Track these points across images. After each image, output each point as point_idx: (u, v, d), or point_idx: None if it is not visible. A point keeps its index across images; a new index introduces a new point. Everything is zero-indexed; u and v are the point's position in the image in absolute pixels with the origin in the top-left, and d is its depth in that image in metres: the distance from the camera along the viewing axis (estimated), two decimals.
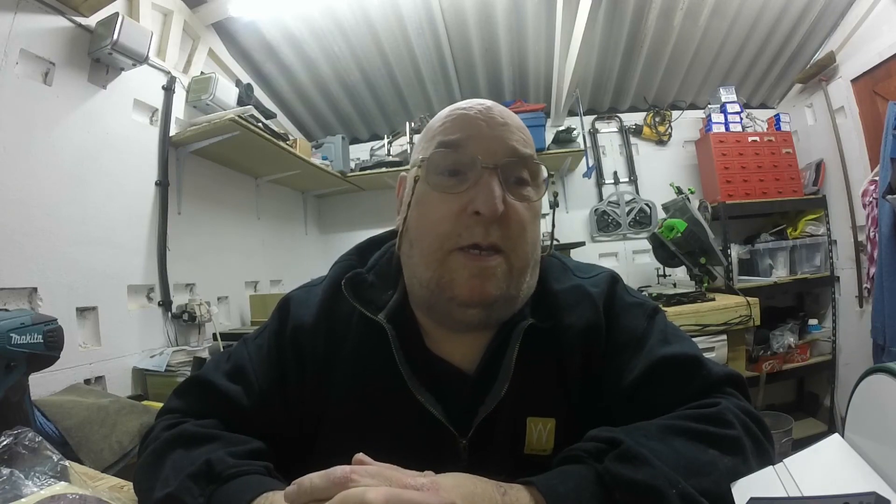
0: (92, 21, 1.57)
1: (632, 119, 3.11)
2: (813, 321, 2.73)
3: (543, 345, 0.56)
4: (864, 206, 2.25)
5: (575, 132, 2.80)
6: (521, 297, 0.55)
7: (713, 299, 2.25)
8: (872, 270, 2.19)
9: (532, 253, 0.55)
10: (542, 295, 0.59)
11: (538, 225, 0.57)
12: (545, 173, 0.56)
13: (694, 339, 0.60)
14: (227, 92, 2.10)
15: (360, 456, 0.39)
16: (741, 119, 2.79)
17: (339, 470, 0.36)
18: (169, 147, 1.91)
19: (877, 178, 2.12)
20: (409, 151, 2.75)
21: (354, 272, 0.60)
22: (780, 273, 2.65)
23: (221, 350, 1.87)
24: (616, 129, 3.12)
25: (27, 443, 0.54)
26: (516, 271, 0.53)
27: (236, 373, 0.59)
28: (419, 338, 0.58)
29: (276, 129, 2.24)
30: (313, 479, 0.36)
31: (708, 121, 2.82)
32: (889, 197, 1.97)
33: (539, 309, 0.57)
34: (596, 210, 3.05)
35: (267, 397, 0.57)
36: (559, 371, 0.56)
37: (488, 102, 0.57)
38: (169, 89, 1.92)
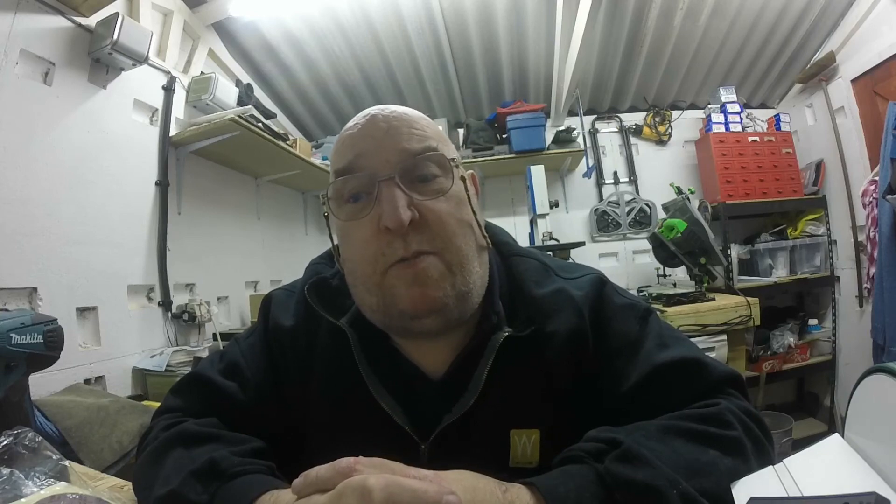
0: (92, 21, 1.57)
1: (632, 119, 3.11)
2: (813, 321, 2.73)
3: (524, 354, 0.54)
4: (864, 206, 2.26)
5: (575, 132, 2.80)
6: (475, 289, 0.52)
7: (713, 299, 2.25)
8: (872, 270, 2.19)
9: (466, 242, 0.52)
10: (520, 300, 0.57)
11: (465, 210, 0.54)
12: (448, 156, 0.54)
13: (694, 339, 0.59)
14: (227, 92, 2.10)
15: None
16: (741, 119, 2.80)
17: (343, 461, 0.37)
18: (169, 147, 1.91)
19: (877, 178, 2.12)
20: None
21: (318, 277, 0.60)
22: (780, 273, 2.65)
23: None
24: (616, 129, 3.13)
25: (27, 443, 0.54)
26: (456, 267, 0.51)
27: (231, 370, 0.59)
28: (385, 342, 0.57)
29: (276, 129, 2.24)
30: (319, 470, 0.37)
31: (708, 121, 2.82)
32: (889, 197, 1.97)
33: (516, 316, 0.55)
34: (596, 210, 3.05)
35: (262, 392, 0.58)
36: (544, 381, 0.54)
37: (373, 110, 0.55)
38: (169, 89, 1.92)
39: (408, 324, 0.51)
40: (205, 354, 1.81)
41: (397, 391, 0.54)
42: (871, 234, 2.17)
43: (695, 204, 2.48)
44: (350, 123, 0.55)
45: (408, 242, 0.49)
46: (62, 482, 0.51)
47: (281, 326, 0.60)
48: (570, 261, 0.67)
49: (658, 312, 0.61)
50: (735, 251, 2.65)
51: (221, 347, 1.87)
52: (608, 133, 3.13)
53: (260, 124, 2.03)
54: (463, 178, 0.56)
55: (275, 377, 0.59)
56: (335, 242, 0.58)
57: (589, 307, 0.56)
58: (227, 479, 0.45)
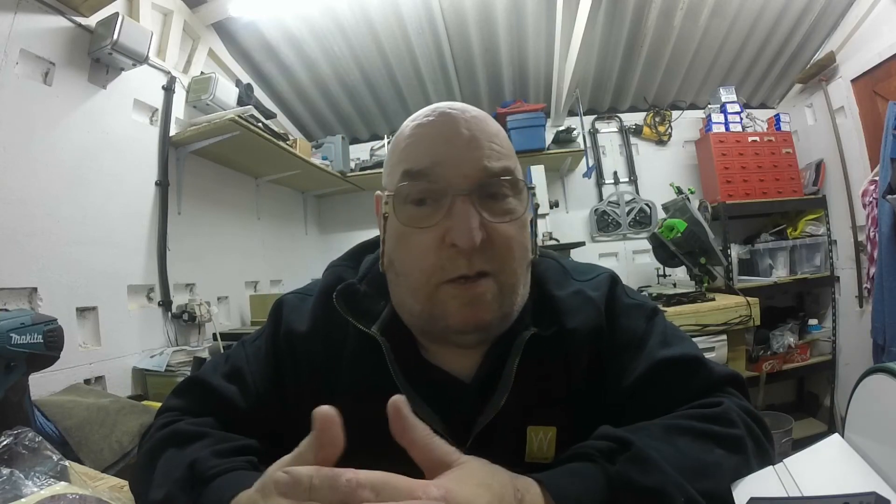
0: (92, 21, 1.57)
1: (632, 119, 3.11)
2: (813, 321, 2.73)
3: (546, 353, 0.54)
4: (864, 206, 2.25)
5: (575, 132, 2.80)
6: (516, 310, 0.53)
7: (713, 299, 2.25)
8: (872, 270, 2.19)
9: (521, 267, 0.53)
10: (543, 301, 0.57)
11: (526, 235, 0.54)
12: (524, 181, 0.53)
13: (694, 339, 0.60)
14: (227, 92, 2.10)
15: (324, 409, 0.34)
16: (741, 119, 2.79)
17: (344, 478, 0.30)
18: (169, 147, 1.91)
19: (877, 178, 2.12)
20: None
21: (346, 284, 0.58)
22: (780, 273, 2.65)
23: (221, 350, 1.87)
24: (616, 129, 3.12)
25: (27, 443, 0.55)
26: (507, 289, 0.51)
27: (233, 374, 0.59)
28: (415, 348, 0.57)
29: (276, 129, 2.24)
30: (314, 478, 0.30)
31: (708, 121, 2.82)
32: (889, 197, 1.97)
33: (540, 316, 0.56)
34: (596, 210, 3.05)
35: (264, 399, 0.57)
36: (563, 378, 0.55)
37: (451, 109, 0.53)
38: (169, 89, 1.92)
39: (449, 336, 0.51)
40: (205, 354, 1.81)
41: (430, 398, 0.53)
42: (871, 234, 2.17)
43: (695, 204, 2.48)
44: (423, 119, 0.53)
45: (472, 262, 0.48)
46: (62, 482, 0.51)
47: (294, 332, 0.59)
48: (584, 262, 0.67)
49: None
50: (735, 251, 2.65)
51: (221, 347, 1.89)
52: (608, 133, 3.12)
53: (260, 124, 2.03)
54: (537, 205, 0.55)
55: (278, 383, 0.58)
56: (384, 241, 0.55)
57: (604, 305, 0.57)
58: (205, 483, 0.44)
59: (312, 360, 0.58)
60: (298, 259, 2.96)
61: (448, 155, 0.50)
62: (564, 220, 3.05)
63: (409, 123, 0.55)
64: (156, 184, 1.86)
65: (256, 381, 0.58)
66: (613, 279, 0.61)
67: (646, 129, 3.07)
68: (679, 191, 2.51)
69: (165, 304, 1.84)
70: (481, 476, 0.35)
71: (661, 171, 3.03)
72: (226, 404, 0.56)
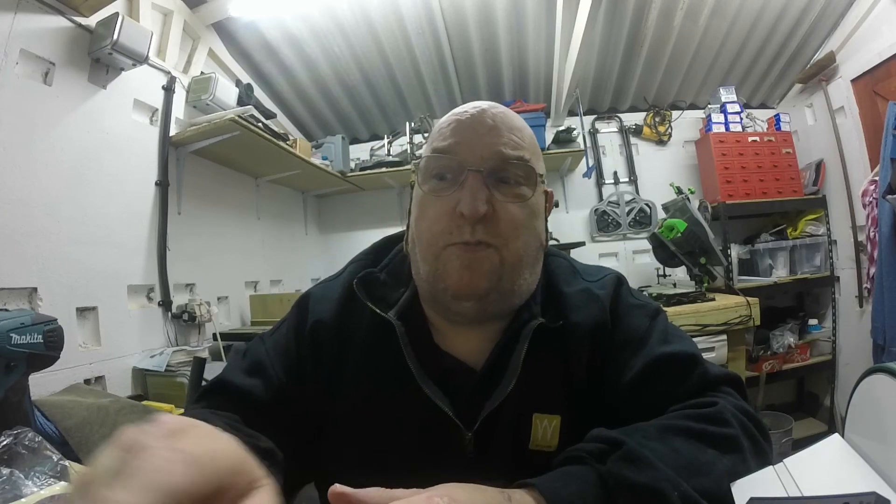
0: (92, 21, 1.57)
1: (632, 119, 3.11)
2: (813, 321, 2.73)
3: (552, 344, 0.57)
4: (864, 206, 2.25)
5: (575, 132, 2.80)
6: (518, 292, 0.56)
7: (713, 299, 2.25)
8: (872, 270, 2.19)
9: (526, 249, 0.56)
10: (552, 295, 0.61)
11: (537, 222, 0.58)
12: (538, 171, 0.58)
13: (694, 339, 0.61)
14: (227, 92, 2.09)
15: (338, 488, 0.34)
16: (741, 119, 2.79)
17: None
18: (169, 147, 1.91)
19: (877, 178, 2.12)
20: (408, 151, 2.75)
21: (366, 272, 0.62)
22: (780, 273, 2.65)
23: (221, 350, 1.87)
24: (616, 129, 3.12)
25: (27, 443, 0.55)
26: (508, 265, 0.54)
27: (254, 368, 0.60)
28: (428, 334, 0.60)
29: (276, 129, 2.24)
30: None
31: (708, 121, 2.82)
32: (889, 197, 1.97)
33: (549, 309, 0.59)
34: (596, 210, 3.05)
35: (286, 390, 0.58)
36: (568, 370, 0.57)
37: (484, 105, 0.58)
38: (169, 89, 1.92)
39: (449, 302, 0.55)
40: (205, 354, 1.80)
41: (441, 383, 0.56)
42: (871, 234, 2.17)
43: (695, 204, 2.47)
44: (460, 109, 0.59)
45: (475, 231, 0.53)
46: (62, 482, 0.51)
47: (321, 321, 0.61)
48: (593, 264, 0.72)
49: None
50: (735, 251, 2.65)
51: (221, 347, 1.89)
52: (608, 133, 3.12)
53: (260, 124, 2.03)
54: (545, 193, 0.61)
55: (299, 375, 0.59)
56: (410, 212, 0.62)
57: (609, 304, 0.60)
58: None
59: (330, 351, 0.60)
60: (298, 259, 2.96)
61: (469, 137, 0.56)
62: (564, 220, 3.05)
63: (446, 116, 0.61)
64: (156, 184, 1.86)
65: (278, 373, 0.59)
66: (619, 280, 0.64)
67: (646, 129, 3.07)
68: (679, 191, 2.51)
69: (165, 304, 1.84)
70: (468, 486, 0.37)
71: (661, 171, 3.03)
72: (249, 399, 0.57)
